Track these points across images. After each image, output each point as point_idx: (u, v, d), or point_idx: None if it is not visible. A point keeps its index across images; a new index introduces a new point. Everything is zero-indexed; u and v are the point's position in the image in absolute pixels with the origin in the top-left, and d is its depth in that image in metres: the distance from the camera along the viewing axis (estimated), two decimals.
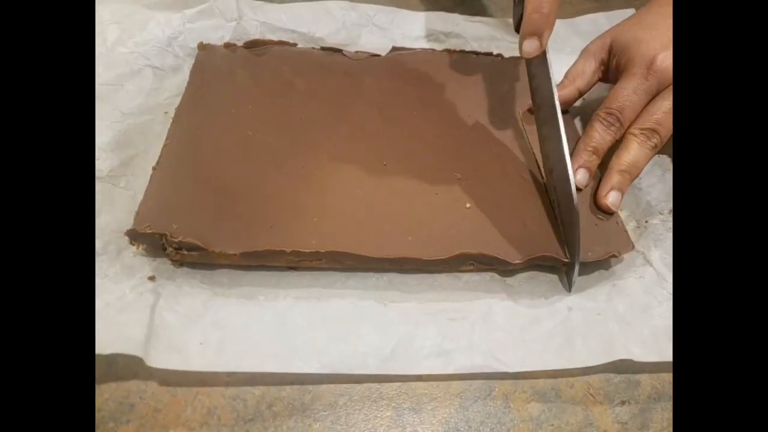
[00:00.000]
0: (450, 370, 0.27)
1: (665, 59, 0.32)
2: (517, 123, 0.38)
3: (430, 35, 0.46)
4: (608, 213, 0.33)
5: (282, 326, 0.28)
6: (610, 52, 0.36)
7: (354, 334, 0.28)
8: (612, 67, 0.37)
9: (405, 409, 0.27)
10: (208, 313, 0.28)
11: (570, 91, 0.37)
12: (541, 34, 0.31)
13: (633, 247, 0.32)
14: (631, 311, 0.30)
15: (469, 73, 0.42)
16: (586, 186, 0.33)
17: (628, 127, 0.34)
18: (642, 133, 0.33)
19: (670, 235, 0.33)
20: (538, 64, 0.33)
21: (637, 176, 0.34)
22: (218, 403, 0.26)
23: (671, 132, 0.33)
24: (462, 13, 0.47)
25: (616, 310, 0.30)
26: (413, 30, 0.46)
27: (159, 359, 0.25)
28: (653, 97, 0.33)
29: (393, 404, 0.27)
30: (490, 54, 0.43)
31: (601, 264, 0.32)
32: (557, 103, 0.31)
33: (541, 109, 0.34)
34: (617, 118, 0.33)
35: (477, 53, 0.43)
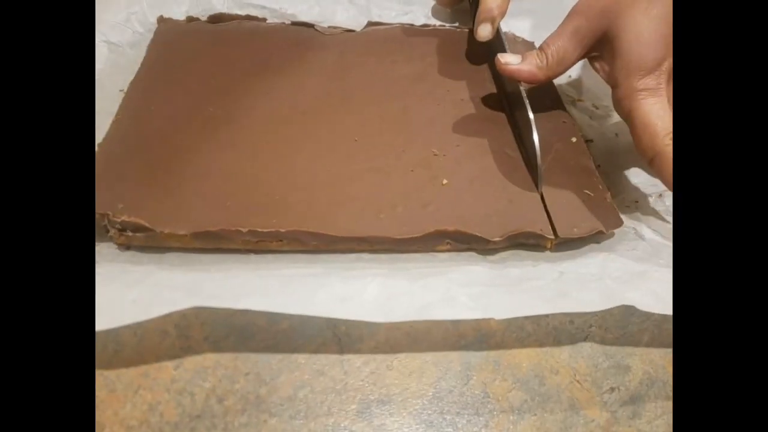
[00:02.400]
0: (426, 317, 0.24)
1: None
2: (498, 98, 0.36)
3: (408, 12, 0.44)
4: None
5: (233, 279, 0.25)
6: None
7: (314, 283, 0.24)
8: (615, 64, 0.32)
9: (372, 401, 0.24)
10: (147, 280, 0.24)
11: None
12: (493, 20, 0.36)
13: (622, 222, 0.29)
14: (628, 275, 0.27)
15: (448, 48, 0.39)
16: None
17: None
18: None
19: (661, 214, 0.32)
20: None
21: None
22: (162, 398, 0.23)
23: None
24: None
25: (611, 275, 0.27)
26: (392, 6, 0.44)
27: None
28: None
29: (359, 396, 0.24)
30: (470, 29, 0.41)
31: (591, 238, 0.29)
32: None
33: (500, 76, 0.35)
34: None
35: (457, 27, 0.41)
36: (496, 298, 0.24)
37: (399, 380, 0.25)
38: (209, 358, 0.25)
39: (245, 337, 0.25)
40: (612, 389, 0.26)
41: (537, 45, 0.40)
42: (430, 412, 0.24)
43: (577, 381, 0.26)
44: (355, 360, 0.25)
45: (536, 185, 0.30)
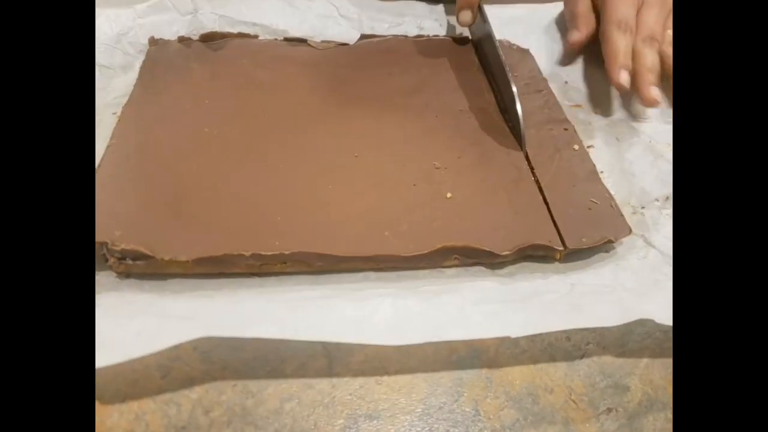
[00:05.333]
0: (441, 338, 0.23)
1: None
2: (496, 108, 0.36)
3: (401, 24, 0.44)
4: (653, 106, 0.35)
5: (239, 305, 0.24)
6: None
7: (323, 305, 0.24)
8: None
9: (360, 416, 0.23)
10: (151, 309, 0.24)
11: (590, 29, 0.39)
12: (471, 5, 0.38)
13: (630, 231, 0.29)
14: (642, 286, 0.27)
15: (443, 57, 0.39)
16: (627, 87, 0.36)
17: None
18: (645, 42, 0.36)
19: (669, 220, 0.31)
20: (480, 27, 0.39)
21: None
22: (148, 408, 0.23)
23: (661, 37, 0.37)
24: (440, 2, 0.45)
25: (624, 285, 0.27)
26: (384, 18, 0.43)
27: None
28: (638, 9, 0.37)
29: (347, 410, 0.24)
30: (465, 38, 0.41)
31: (600, 247, 0.29)
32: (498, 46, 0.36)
33: (488, 57, 0.38)
34: (627, 26, 0.36)
35: (452, 38, 0.41)
36: (510, 316, 0.24)
37: (388, 395, 0.24)
38: (197, 369, 0.24)
39: (234, 348, 0.25)
40: (609, 410, 0.25)
41: (531, 51, 0.41)
42: (418, 428, 0.23)
43: (573, 400, 0.25)
44: (344, 373, 0.25)
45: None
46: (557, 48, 0.42)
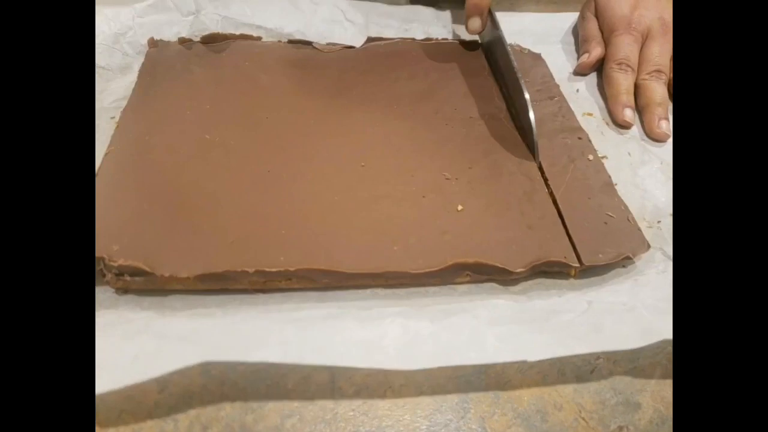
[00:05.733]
0: (454, 362, 0.22)
1: (640, 17, 0.39)
2: (507, 114, 0.35)
3: (408, 30, 0.42)
4: (663, 141, 0.35)
5: (239, 325, 0.23)
6: (596, 11, 0.42)
7: (330, 326, 0.23)
8: (599, 24, 0.42)
9: None
10: (149, 329, 0.23)
11: (598, 51, 0.40)
12: (481, 12, 0.38)
13: (648, 246, 0.28)
14: (661, 301, 0.26)
15: (452, 62, 0.38)
16: (632, 123, 0.36)
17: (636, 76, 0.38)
18: (651, 76, 0.37)
19: None
20: (490, 32, 0.39)
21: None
22: (145, 424, 0.22)
23: (668, 69, 0.38)
24: (448, 8, 0.44)
25: (644, 302, 0.26)
26: (391, 24, 0.42)
27: None
28: (641, 46, 0.39)
29: (349, 427, 0.23)
30: (475, 43, 0.40)
31: (618, 263, 0.28)
32: (510, 52, 0.35)
33: (499, 62, 0.37)
34: (628, 65, 0.38)
35: (461, 41, 0.40)
36: (526, 338, 0.23)
37: (392, 411, 0.23)
38: (196, 383, 0.23)
39: (234, 362, 0.24)
40: (620, 428, 0.24)
41: (543, 56, 0.40)
42: None
43: (583, 418, 0.24)
44: (346, 388, 0.24)
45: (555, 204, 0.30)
46: (567, 57, 0.41)
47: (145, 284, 0.25)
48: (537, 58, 0.40)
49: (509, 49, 0.35)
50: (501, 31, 0.37)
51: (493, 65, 0.38)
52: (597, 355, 0.26)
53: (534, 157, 0.32)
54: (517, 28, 0.41)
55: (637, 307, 0.25)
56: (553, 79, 0.38)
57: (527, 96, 0.32)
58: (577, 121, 0.35)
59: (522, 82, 0.33)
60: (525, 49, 0.40)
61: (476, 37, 0.41)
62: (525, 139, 0.33)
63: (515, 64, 0.34)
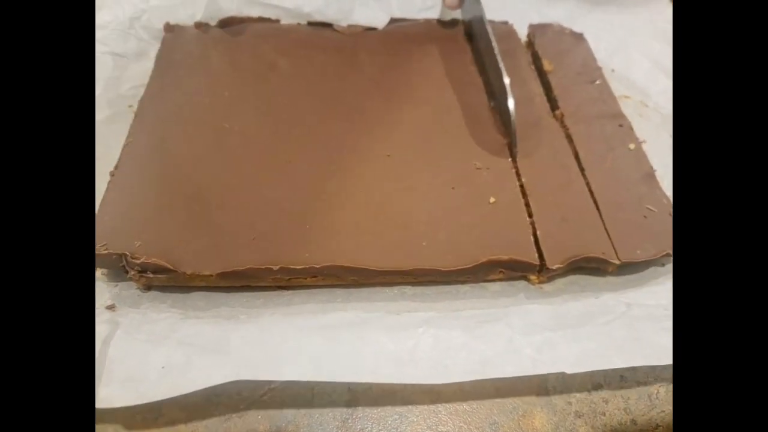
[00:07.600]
0: (488, 375, 0.21)
1: None
2: (545, 101, 0.33)
3: (433, 7, 0.40)
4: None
5: (266, 334, 0.22)
6: None
7: (359, 338, 0.22)
8: None
9: None
10: (174, 334, 0.22)
11: None
12: None
13: None
14: None
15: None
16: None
17: None
18: None
19: None
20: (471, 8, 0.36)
21: None
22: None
23: None
24: None
25: None
26: (414, 1, 0.40)
27: (111, 398, 0.20)
28: None
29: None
30: (505, 23, 0.38)
31: (656, 260, 0.26)
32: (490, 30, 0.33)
33: (480, 39, 0.34)
34: None
35: (491, 21, 0.37)
36: (563, 348, 0.22)
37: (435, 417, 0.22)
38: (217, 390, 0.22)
39: (266, 381, 0.23)
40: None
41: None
42: None
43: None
44: (369, 413, 0.22)
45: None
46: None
47: (168, 281, 0.24)
48: (579, 38, 0.37)
49: (490, 29, 0.33)
50: (482, 6, 0.34)
51: (531, 48, 0.36)
52: (656, 380, 0.24)
53: (510, 149, 0.29)
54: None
55: None
56: (596, 62, 0.35)
57: (507, 81, 0.30)
58: (618, 106, 0.32)
59: (501, 64, 0.30)
60: (566, 28, 0.38)
61: (506, 17, 0.38)
62: (562, 125, 0.31)
63: (496, 47, 0.31)
